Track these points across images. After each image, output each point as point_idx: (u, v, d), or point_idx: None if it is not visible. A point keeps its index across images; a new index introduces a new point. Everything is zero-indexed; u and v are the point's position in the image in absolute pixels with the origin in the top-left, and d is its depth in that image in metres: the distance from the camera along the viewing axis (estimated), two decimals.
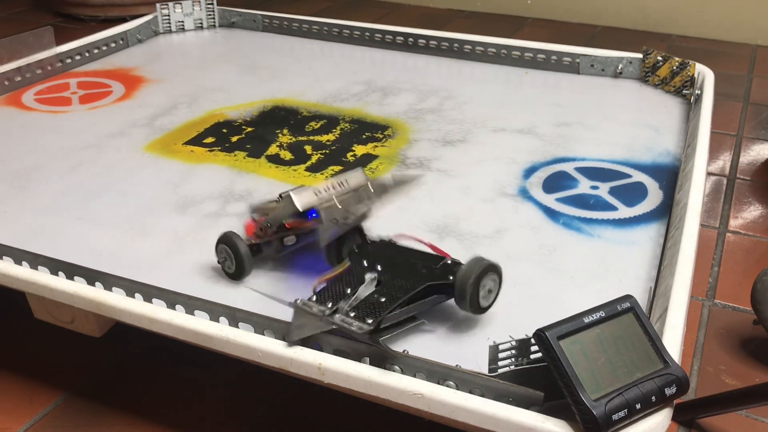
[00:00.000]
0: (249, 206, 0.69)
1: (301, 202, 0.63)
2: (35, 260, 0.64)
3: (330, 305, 0.54)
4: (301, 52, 1.26)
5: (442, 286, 0.58)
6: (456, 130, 0.96)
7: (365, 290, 0.57)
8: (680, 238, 0.65)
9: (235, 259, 0.64)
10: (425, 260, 0.60)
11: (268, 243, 0.66)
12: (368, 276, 0.58)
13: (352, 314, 0.53)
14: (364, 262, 0.60)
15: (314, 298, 0.56)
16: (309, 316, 0.54)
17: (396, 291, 0.56)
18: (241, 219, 0.76)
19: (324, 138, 0.94)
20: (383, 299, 0.55)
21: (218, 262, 0.66)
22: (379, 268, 0.59)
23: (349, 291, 0.56)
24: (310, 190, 0.64)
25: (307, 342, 0.53)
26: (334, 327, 0.53)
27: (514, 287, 0.64)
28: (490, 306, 0.59)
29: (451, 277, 0.57)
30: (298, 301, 0.55)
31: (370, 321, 0.52)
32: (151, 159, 0.89)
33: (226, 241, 0.65)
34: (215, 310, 0.57)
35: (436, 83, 1.11)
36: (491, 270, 0.57)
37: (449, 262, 0.59)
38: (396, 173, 0.63)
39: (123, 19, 1.52)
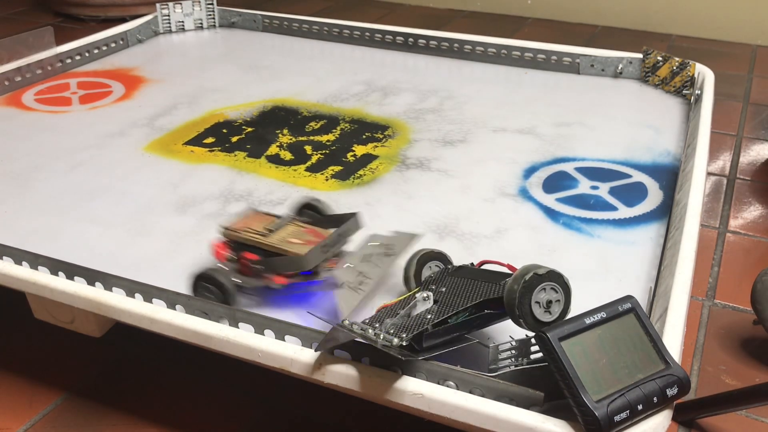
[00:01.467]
0: (220, 227, 0.64)
1: (311, 262, 0.59)
2: (35, 260, 0.64)
3: (377, 325, 0.52)
4: (301, 52, 1.26)
5: (495, 302, 0.53)
6: (456, 130, 0.96)
7: (416, 309, 0.54)
8: (680, 238, 0.65)
9: (223, 298, 0.60)
10: (491, 278, 0.55)
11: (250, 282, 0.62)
12: (420, 295, 0.55)
13: (392, 331, 0.50)
14: (432, 286, 0.57)
15: (367, 321, 0.53)
16: (342, 330, 0.51)
17: (447, 309, 0.53)
18: None
19: (324, 138, 0.94)
20: (429, 316, 0.52)
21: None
22: (443, 290, 0.55)
23: (401, 312, 0.53)
24: (318, 249, 0.60)
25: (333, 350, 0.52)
26: (357, 338, 0.50)
27: None
28: (559, 319, 0.51)
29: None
30: (345, 322, 0.52)
31: (404, 335, 0.49)
32: (151, 159, 0.89)
33: (208, 279, 0.60)
34: (215, 310, 0.57)
35: (436, 83, 1.11)
36: (547, 279, 0.50)
37: None
38: (398, 233, 0.64)
39: (123, 19, 1.52)
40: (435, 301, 0.54)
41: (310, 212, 0.68)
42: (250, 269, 0.61)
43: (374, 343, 0.49)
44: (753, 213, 1.00)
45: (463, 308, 0.53)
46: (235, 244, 0.62)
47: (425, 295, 0.55)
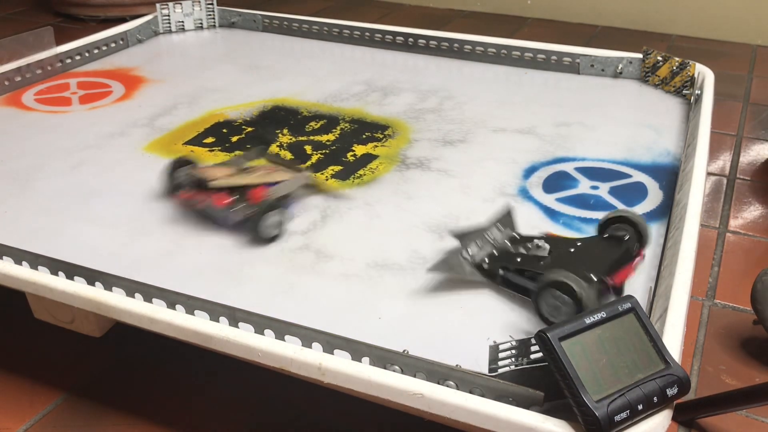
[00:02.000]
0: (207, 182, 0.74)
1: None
2: (35, 260, 0.64)
3: (488, 235, 0.65)
4: (301, 52, 1.26)
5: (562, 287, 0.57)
6: (456, 130, 0.96)
7: (532, 250, 0.62)
8: (680, 238, 0.65)
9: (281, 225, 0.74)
10: (599, 273, 0.59)
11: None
12: (537, 241, 0.62)
13: (487, 249, 0.64)
14: (577, 243, 0.63)
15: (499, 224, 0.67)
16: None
17: (542, 266, 0.60)
18: None
19: (324, 138, 0.94)
20: (519, 260, 0.61)
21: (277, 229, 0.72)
22: (570, 249, 0.62)
23: (518, 237, 0.65)
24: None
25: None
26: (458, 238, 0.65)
27: None
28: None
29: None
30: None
31: (487, 260, 0.63)
32: (151, 159, 0.89)
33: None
34: (215, 310, 0.57)
35: (436, 83, 1.11)
36: (554, 286, 0.56)
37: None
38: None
39: (123, 19, 1.52)
40: (549, 252, 0.61)
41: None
42: (266, 194, 0.74)
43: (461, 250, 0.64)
44: (753, 213, 1.00)
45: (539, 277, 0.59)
46: (226, 188, 0.74)
47: (542, 244, 0.62)
